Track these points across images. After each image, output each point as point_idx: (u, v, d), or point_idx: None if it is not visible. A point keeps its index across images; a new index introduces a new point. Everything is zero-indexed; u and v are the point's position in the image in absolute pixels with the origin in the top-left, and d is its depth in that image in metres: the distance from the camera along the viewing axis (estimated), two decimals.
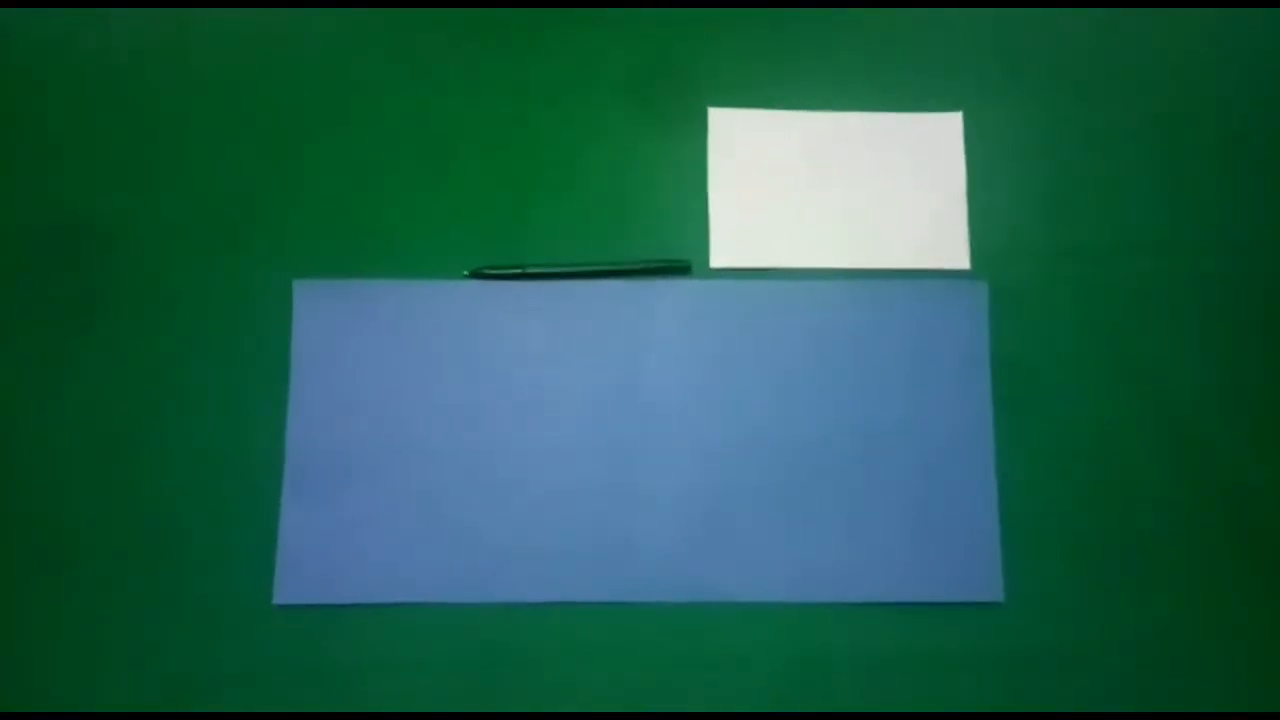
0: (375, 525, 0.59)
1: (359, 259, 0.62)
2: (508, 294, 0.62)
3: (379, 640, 0.58)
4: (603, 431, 0.60)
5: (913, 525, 0.60)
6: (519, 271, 0.62)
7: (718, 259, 0.62)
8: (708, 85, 0.64)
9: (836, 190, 0.63)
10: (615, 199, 0.63)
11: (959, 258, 0.63)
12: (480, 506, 0.60)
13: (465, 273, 0.62)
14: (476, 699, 0.58)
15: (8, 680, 0.58)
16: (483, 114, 0.64)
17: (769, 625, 0.59)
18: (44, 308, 0.62)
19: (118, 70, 0.64)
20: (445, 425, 0.60)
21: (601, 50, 0.65)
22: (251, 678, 0.58)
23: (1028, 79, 0.65)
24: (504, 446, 0.60)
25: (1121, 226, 0.63)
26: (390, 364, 0.61)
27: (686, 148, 0.64)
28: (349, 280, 0.62)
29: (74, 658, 0.58)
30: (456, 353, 0.61)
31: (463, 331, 0.61)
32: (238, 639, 0.58)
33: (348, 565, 0.59)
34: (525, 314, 0.61)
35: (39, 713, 0.57)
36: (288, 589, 0.59)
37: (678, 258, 0.62)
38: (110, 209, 0.63)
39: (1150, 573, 0.59)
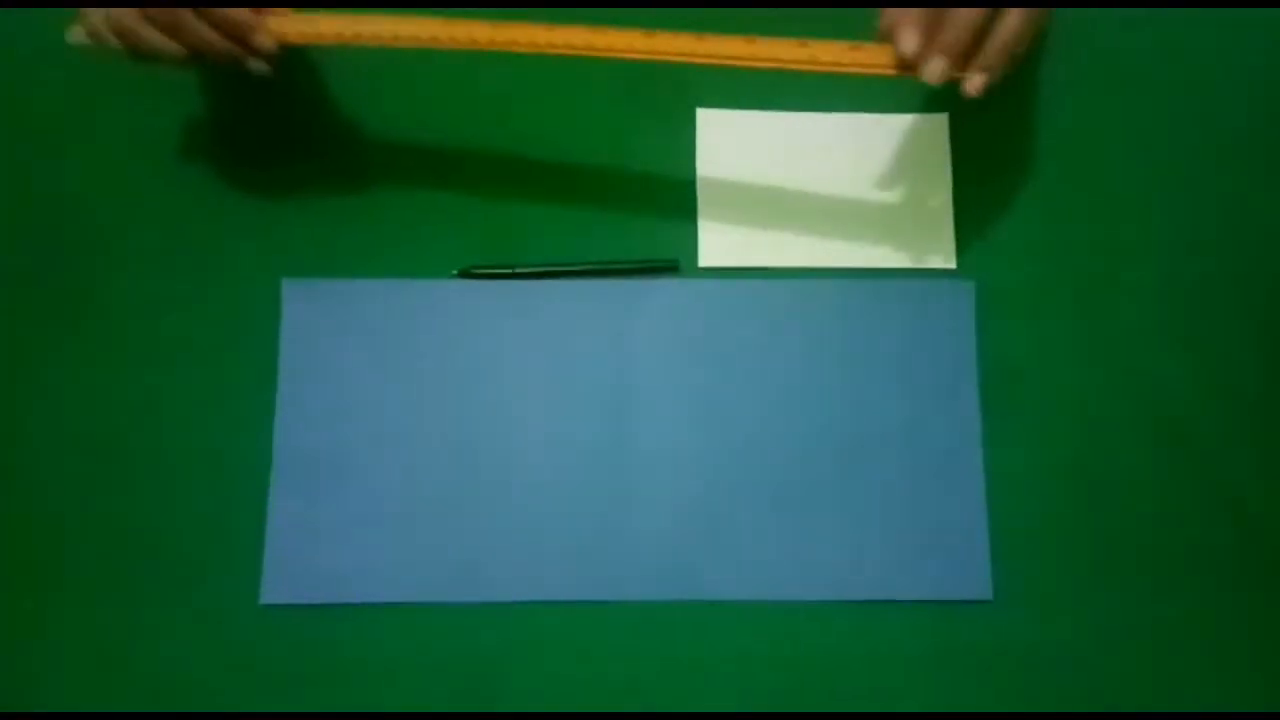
0: (363, 524, 0.59)
1: (348, 258, 0.62)
2: (497, 293, 0.62)
3: (368, 640, 0.58)
4: (591, 430, 0.60)
5: (901, 524, 0.60)
6: (508, 271, 0.62)
7: (706, 258, 0.63)
8: (696, 86, 0.64)
9: (824, 190, 0.64)
10: (604, 198, 0.63)
11: (946, 258, 0.63)
12: (470, 505, 0.59)
13: (454, 272, 0.62)
14: (466, 699, 0.57)
15: None
16: (471, 113, 0.64)
17: (757, 624, 0.58)
18: (30, 306, 0.62)
19: (107, 68, 0.63)
20: (434, 424, 0.60)
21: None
22: (238, 677, 0.57)
23: (1014, 80, 0.65)
24: (493, 446, 0.60)
25: (1109, 226, 0.63)
26: (379, 363, 0.61)
27: (675, 148, 0.64)
28: (338, 280, 0.62)
29: (60, 657, 0.58)
30: (445, 352, 0.61)
31: (451, 331, 0.61)
32: (224, 639, 0.58)
33: (336, 565, 0.59)
34: (514, 313, 0.61)
35: (23, 712, 0.57)
36: (275, 589, 0.58)
37: (666, 257, 0.62)
38: (98, 208, 0.63)
39: (1139, 571, 0.59)
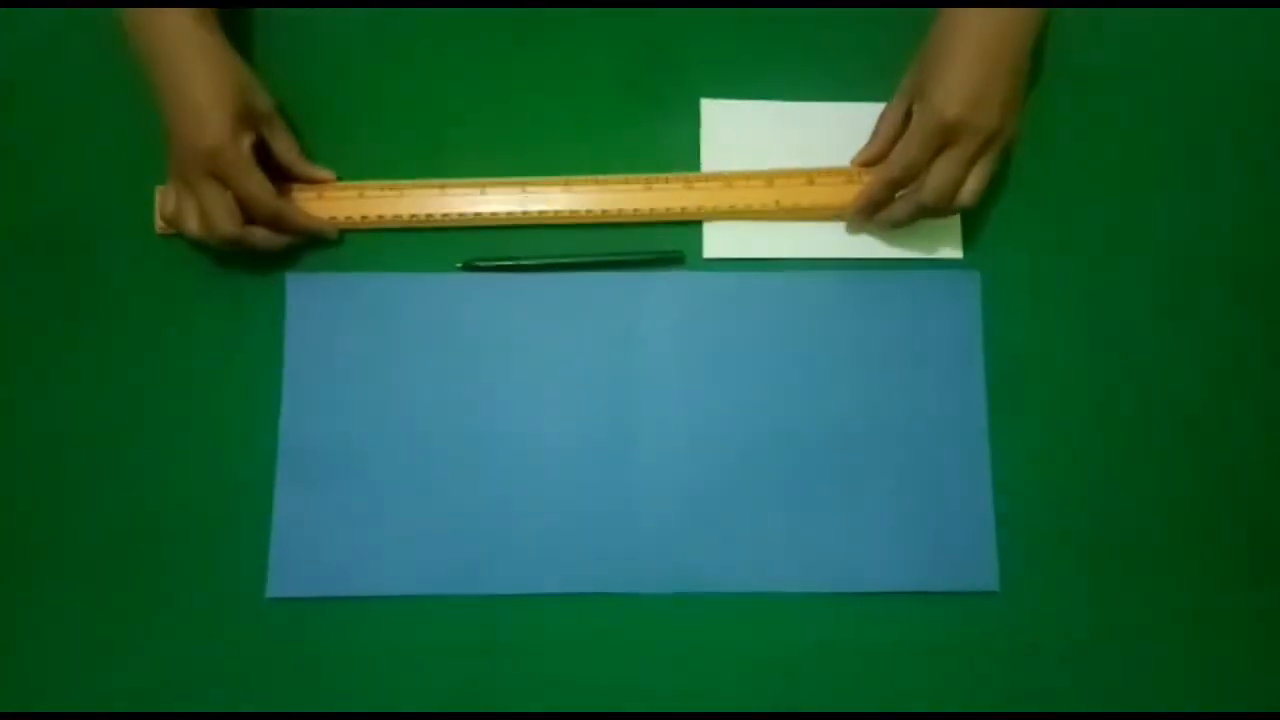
0: (368, 517, 0.59)
1: (351, 251, 0.62)
2: (501, 286, 0.62)
3: (373, 632, 0.58)
4: (595, 423, 0.60)
5: (907, 515, 0.60)
6: (512, 263, 0.62)
7: (711, 250, 0.62)
8: (700, 77, 0.64)
9: None
10: None
11: (952, 248, 0.63)
12: (474, 498, 0.60)
13: (457, 265, 0.62)
14: (471, 691, 0.58)
15: None
16: (477, 105, 0.64)
17: (762, 615, 0.59)
18: (38, 301, 0.62)
19: (108, 66, 0.64)
20: (438, 417, 0.60)
21: (596, 43, 0.64)
22: (245, 671, 0.58)
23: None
24: (497, 438, 0.60)
25: (1115, 216, 0.63)
26: (383, 356, 0.61)
27: (679, 139, 0.63)
28: (342, 273, 0.62)
29: (66, 651, 0.58)
30: (449, 344, 0.61)
31: (456, 323, 0.61)
32: (231, 632, 0.58)
33: (341, 557, 0.59)
34: (518, 306, 0.61)
35: (29, 713, 0.57)
36: (281, 582, 0.59)
37: (671, 249, 0.62)
38: (105, 202, 0.63)
39: (1145, 563, 0.59)
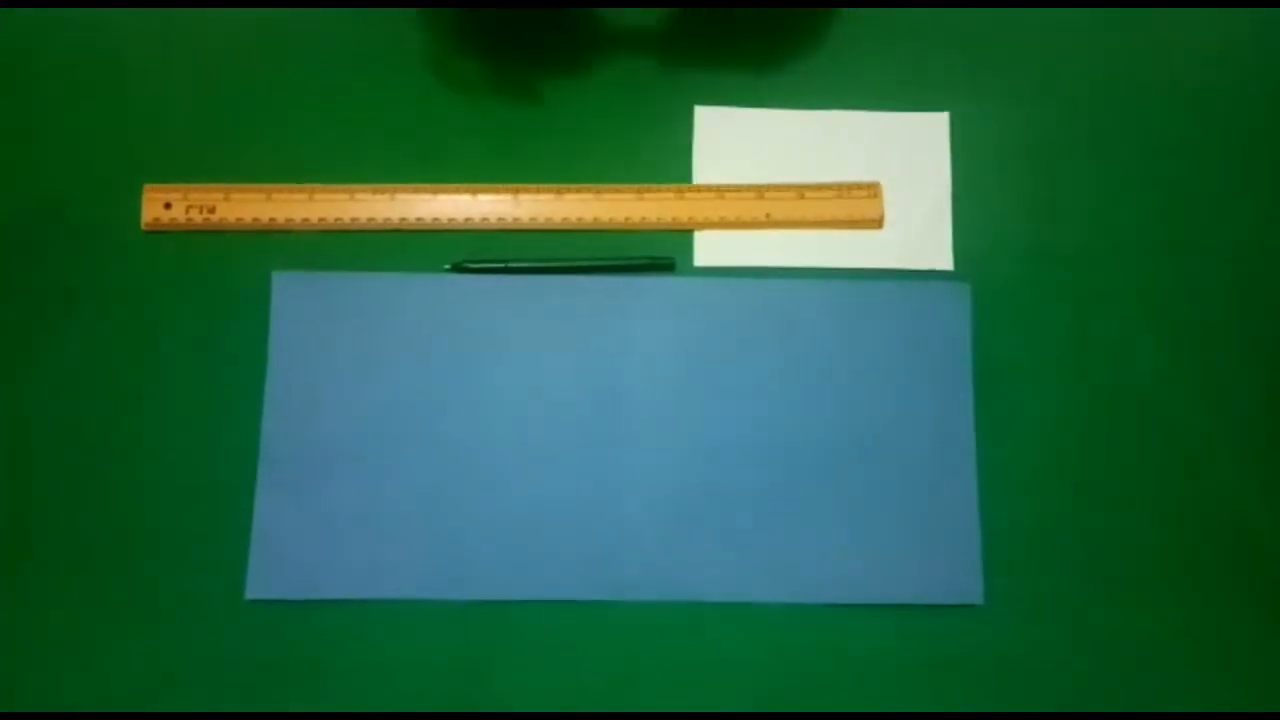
0: (350, 520, 0.59)
1: (338, 251, 0.62)
2: (490, 288, 0.61)
3: (353, 636, 0.58)
4: (583, 428, 0.60)
5: (892, 527, 0.59)
6: (501, 266, 0.61)
7: (702, 257, 0.62)
8: (694, 84, 0.64)
9: None
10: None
11: (942, 259, 0.63)
12: (458, 502, 0.59)
13: (447, 266, 0.61)
14: (452, 697, 0.57)
15: None
16: (470, 109, 0.63)
17: (747, 625, 0.58)
18: (16, 297, 0.61)
19: (95, 60, 0.63)
20: (423, 420, 0.60)
21: (591, 48, 0.64)
22: (222, 673, 0.57)
23: (1016, 80, 0.65)
24: (483, 442, 0.60)
25: (1107, 230, 0.63)
26: (369, 357, 0.60)
27: (673, 145, 0.63)
28: (328, 273, 0.61)
29: (41, 653, 0.57)
30: (436, 347, 0.60)
31: (443, 326, 0.61)
32: (209, 634, 0.57)
33: (321, 560, 0.58)
34: (507, 309, 0.61)
35: (3, 713, 0.56)
36: (260, 584, 0.58)
37: (662, 255, 0.62)
38: (86, 198, 0.62)
39: (1133, 577, 0.59)
